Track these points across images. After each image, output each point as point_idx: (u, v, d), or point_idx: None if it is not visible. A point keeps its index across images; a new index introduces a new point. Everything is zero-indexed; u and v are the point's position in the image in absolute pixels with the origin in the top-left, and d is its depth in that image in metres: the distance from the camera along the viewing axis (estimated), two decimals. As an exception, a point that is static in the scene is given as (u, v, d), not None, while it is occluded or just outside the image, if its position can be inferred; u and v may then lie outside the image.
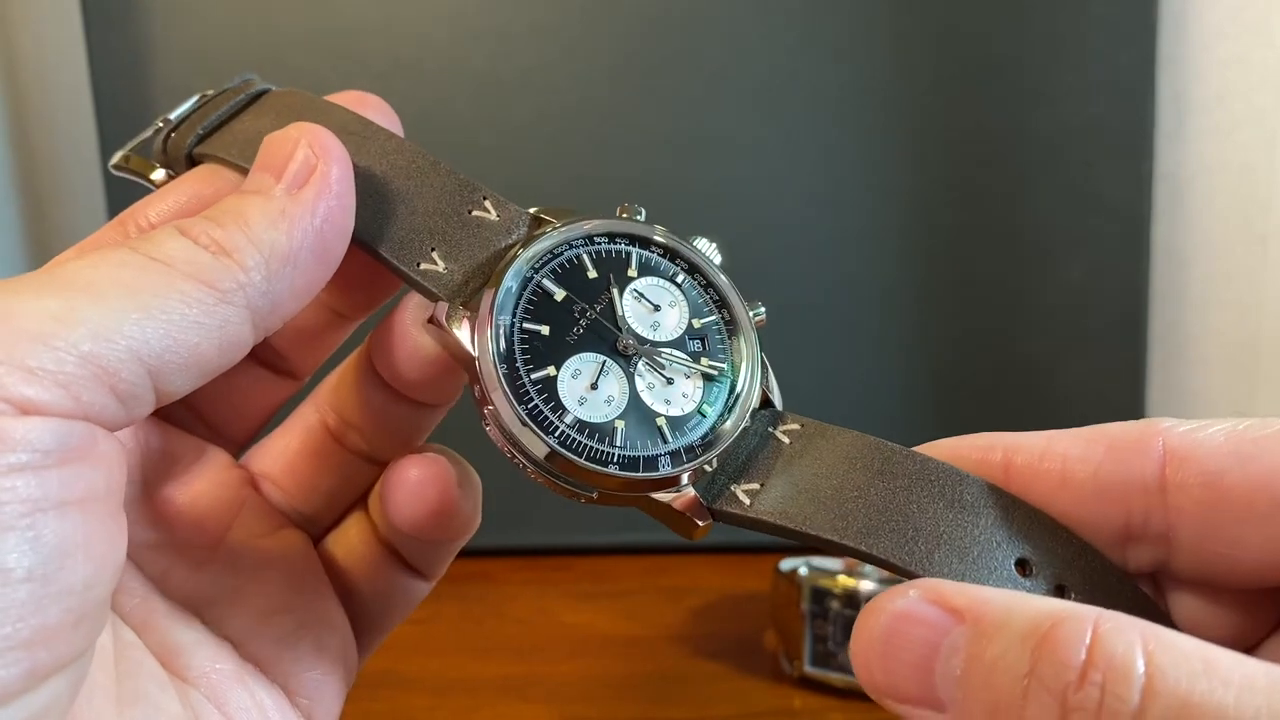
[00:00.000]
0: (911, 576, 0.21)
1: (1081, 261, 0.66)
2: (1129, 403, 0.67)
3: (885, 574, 0.49)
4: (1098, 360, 0.67)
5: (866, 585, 0.49)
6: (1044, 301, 0.66)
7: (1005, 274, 0.66)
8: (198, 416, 0.28)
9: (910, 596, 0.19)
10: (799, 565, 0.51)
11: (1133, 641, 0.16)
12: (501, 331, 0.24)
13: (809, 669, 0.51)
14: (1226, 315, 0.71)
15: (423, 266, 0.25)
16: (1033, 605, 0.18)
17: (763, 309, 0.27)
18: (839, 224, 0.65)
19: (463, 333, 0.24)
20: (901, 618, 0.19)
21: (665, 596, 0.61)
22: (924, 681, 0.18)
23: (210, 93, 0.28)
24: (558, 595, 0.62)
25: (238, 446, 0.29)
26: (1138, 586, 0.23)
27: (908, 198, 0.65)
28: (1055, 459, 0.22)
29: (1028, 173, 0.65)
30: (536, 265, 0.25)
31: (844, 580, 0.50)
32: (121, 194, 0.61)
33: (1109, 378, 0.67)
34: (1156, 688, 0.16)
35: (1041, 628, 0.17)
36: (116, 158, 0.28)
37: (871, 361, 0.66)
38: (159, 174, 0.28)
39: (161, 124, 0.28)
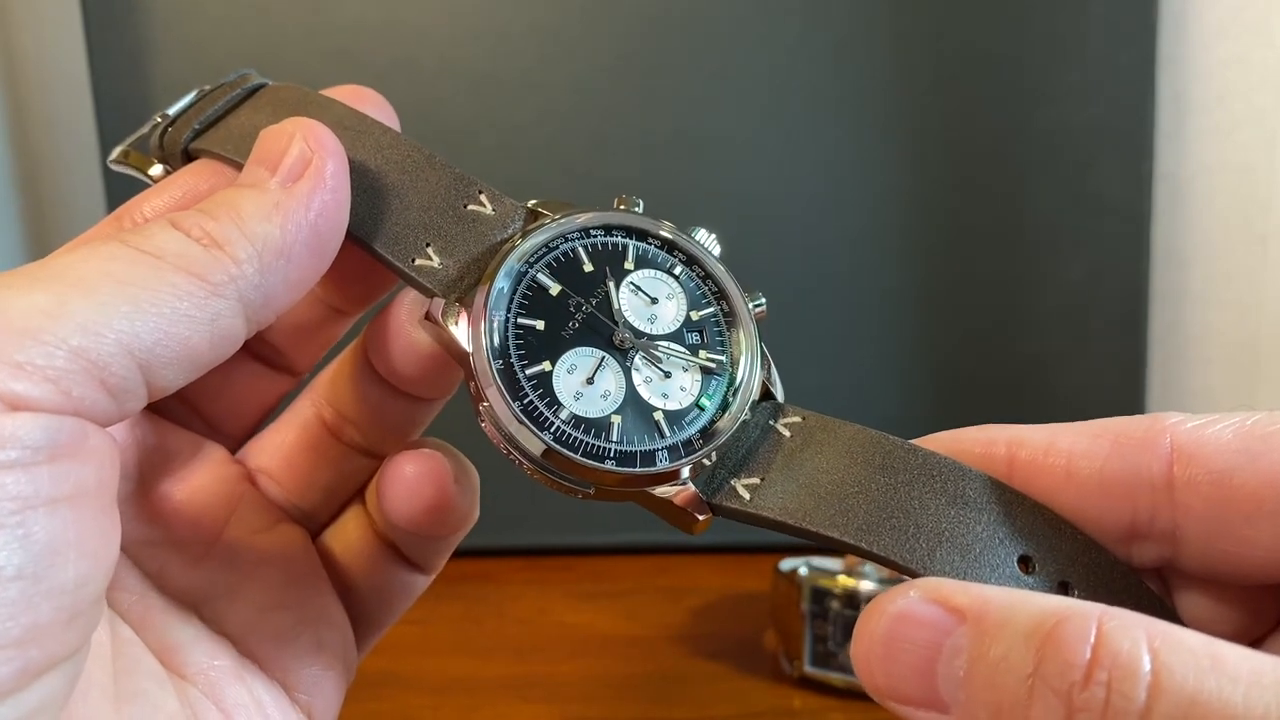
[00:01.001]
0: (912, 574, 0.21)
1: (1081, 261, 0.66)
2: (1129, 403, 0.67)
3: (885, 573, 0.49)
4: (1098, 360, 0.67)
5: (866, 585, 0.49)
6: (1044, 301, 0.66)
7: (1005, 274, 0.66)
8: (194, 412, 0.28)
9: (911, 597, 0.18)
10: (799, 565, 0.51)
11: (1138, 639, 0.16)
12: (496, 327, 0.24)
13: (809, 669, 0.50)
14: (1226, 315, 0.70)
15: (418, 262, 0.25)
16: (1036, 603, 0.17)
17: (763, 300, 0.26)
18: (839, 224, 0.65)
19: (458, 329, 0.24)
20: (902, 619, 0.18)
21: (665, 596, 0.61)
22: (926, 683, 0.18)
23: (207, 88, 0.28)
24: (558, 595, 0.62)
25: (235, 442, 0.29)
26: (1143, 582, 0.22)
27: (908, 198, 0.65)
28: (1060, 454, 0.22)
29: (1028, 173, 0.65)
30: (531, 260, 0.25)
31: (844, 580, 0.49)
32: (121, 191, 0.61)
33: (1109, 378, 0.67)
34: (1163, 685, 0.15)
35: (1045, 626, 0.17)
36: (115, 153, 0.28)
37: (871, 362, 0.66)
38: (156, 169, 0.28)
39: (159, 119, 0.28)
